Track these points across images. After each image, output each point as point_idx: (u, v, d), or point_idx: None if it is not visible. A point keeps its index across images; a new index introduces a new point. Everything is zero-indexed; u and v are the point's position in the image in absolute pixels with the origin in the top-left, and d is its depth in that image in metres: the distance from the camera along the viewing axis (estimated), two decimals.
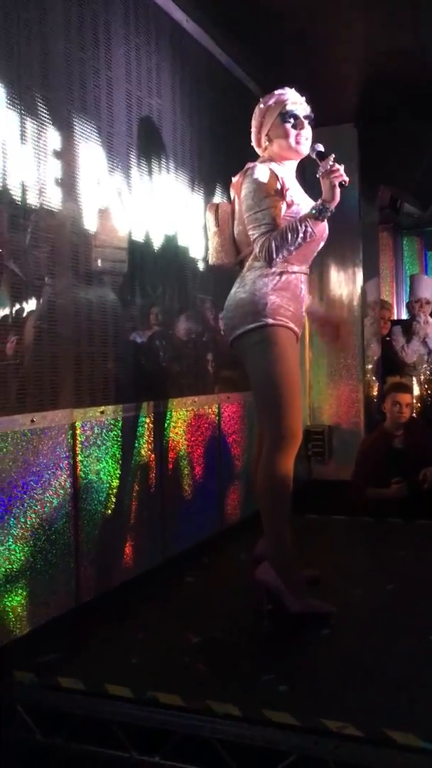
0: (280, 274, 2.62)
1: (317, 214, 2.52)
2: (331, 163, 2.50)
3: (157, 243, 3.27)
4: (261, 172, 2.60)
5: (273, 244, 2.51)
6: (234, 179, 2.76)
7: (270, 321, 2.59)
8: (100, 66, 2.87)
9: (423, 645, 2.34)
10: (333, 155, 2.53)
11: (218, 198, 3.80)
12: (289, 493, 2.65)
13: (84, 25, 2.77)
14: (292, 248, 2.54)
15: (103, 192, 2.89)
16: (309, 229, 2.52)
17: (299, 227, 2.51)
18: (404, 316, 7.61)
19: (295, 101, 2.68)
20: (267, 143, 2.73)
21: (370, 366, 5.28)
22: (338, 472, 4.96)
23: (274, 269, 2.60)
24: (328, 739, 1.85)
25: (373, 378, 5.33)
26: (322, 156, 2.56)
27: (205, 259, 3.57)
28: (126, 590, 2.87)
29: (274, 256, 2.53)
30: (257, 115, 2.75)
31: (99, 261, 2.87)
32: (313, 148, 2.62)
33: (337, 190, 2.51)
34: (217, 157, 3.84)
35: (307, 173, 2.81)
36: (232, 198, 2.81)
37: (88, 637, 2.49)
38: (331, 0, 3.54)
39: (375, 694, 2.03)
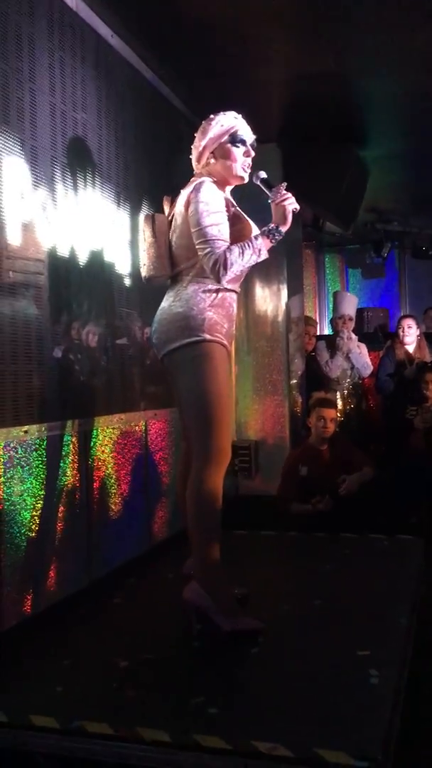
0: (217, 291, 2.62)
1: (271, 236, 2.56)
2: (283, 191, 2.58)
3: (82, 257, 3.22)
4: (211, 187, 2.60)
5: (229, 260, 2.51)
6: (183, 192, 2.69)
7: (207, 337, 2.58)
8: (23, 78, 2.81)
9: (351, 660, 2.35)
10: (284, 183, 2.62)
11: (147, 212, 3.78)
12: (218, 511, 2.62)
13: (7, 37, 2.71)
14: (246, 265, 2.56)
15: (27, 206, 2.83)
16: (263, 249, 2.56)
17: (255, 245, 2.54)
18: (327, 331, 7.77)
19: (245, 128, 2.71)
20: (211, 161, 2.71)
21: (294, 381, 5.34)
22: (265, 487, 4.99)
23: (211, 286, 2.60)
24: (259, 762, 1.83)
25: (298, 393, 5.39)
26: (267, 183, 2.63)
27: (133, 274, 3.54)
28: (52, 615, 2.79)
29: (228, 271, 2.52)
30: (205, 131, 2.70)
31: (21, 276, 2.80)
32: (256, 175, 2.67)
33: (290, 216, 2.57)
34: (144, 172, 3.82)
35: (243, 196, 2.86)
36: (168, 211, 2.78)
37: (11, 666, 2.39)
38: (256, 22, 3.60)
39: (305, 713, 2.02)
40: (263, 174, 2.65)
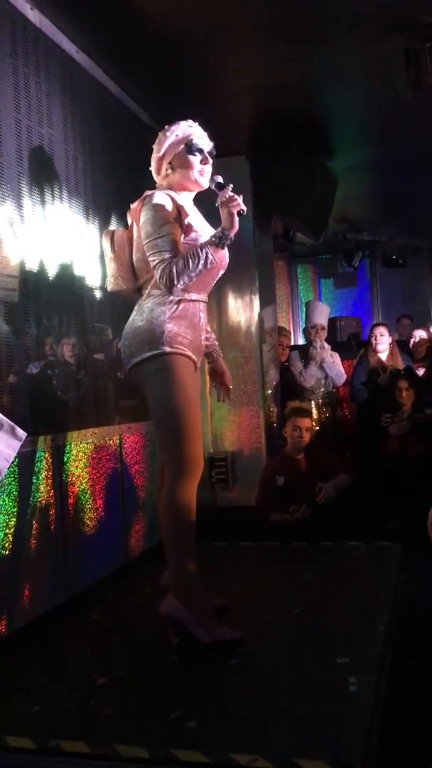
0: (178, 302, 2.61)
1: (217, 241, 2.54)
2: (229, 193, 2.56)
3: (51, 272, 3.20)
4: (160, 199, 2.60)
5: (174, 270, 2.50)
6: (132, 206, 2.72)
7: (167, 349, 2.57)
8: None
9: (330, 668, 2.34)
10: (231, 185, 2.59)
11: (114, 226, 3.77)
12: (192, 523, 2.61)
13: None
14: (193, 275, 2.53)
15: None
16: (210, 256, 2.53)
17: (200, 254, 2.51)
18: (301, 341, 7.80)
19: (201, 135, 2.72)
20: (169, 171, 2.71)
21: (269, 392, 5.35)
22: (242, 498, 4.97)
23: (171, 297, 2.59)
24: None
25: (273, 403, 5.40)
26: (220, 186, 2.60)
27: (103, 287, 3.53)
28: (28, 633, 2.74)
29: (176, 282, 2.51)
30: (161, 142, 2.71)
31: None
32: (212, 179, 2.66)
33: (236, 219, 2.54)
34: (112, 186, 3.82)
35: (205, 202, 2.85)
36: (129, 224, 2.78)
37: None
38: (220, 35, 3.62)
39: (285, 723, 2.00)
40: (219, 178, 2.64)
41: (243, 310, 5.25)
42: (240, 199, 2.55)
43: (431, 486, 4.29)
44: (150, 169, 2.78)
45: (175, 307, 2.60)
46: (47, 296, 3.16)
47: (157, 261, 2.54)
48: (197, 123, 2.75)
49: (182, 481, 2.57)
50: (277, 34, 3.65)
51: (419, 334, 6.73)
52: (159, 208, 2.57)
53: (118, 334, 3.17)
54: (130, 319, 2.69)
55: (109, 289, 2.82)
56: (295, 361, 5.75)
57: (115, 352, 3.73)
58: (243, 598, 3.06)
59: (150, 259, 2.57)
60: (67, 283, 3.35)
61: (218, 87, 4.21)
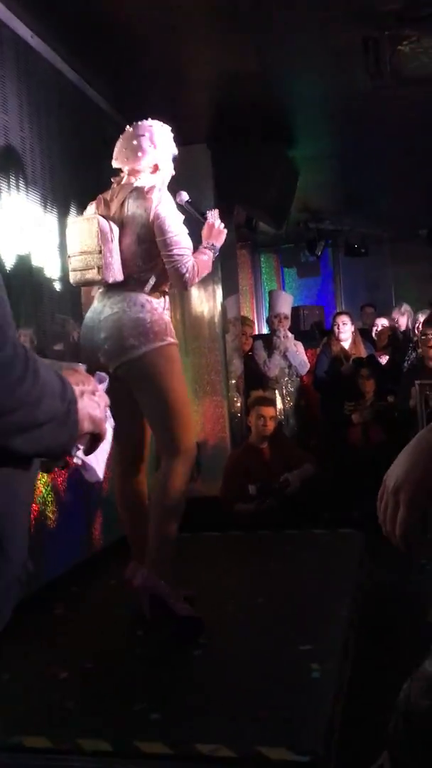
0: (164, 294, 2.75)
1: (214, 252, 2.83)
2: (218, 222, 2.86)
3: (9, 263, 3.15)
4: (170, 198, 2.72)
5: (196, 269, 2.68)
6: (133, 197, 2.70)
7: (170, 339, 2.69)
8: None
9: (293, 656, 2.35)
10: (216, 210, 2.92)
11: (73, 215, 3.72)
12: (183, 506, 2.74)
13: None
14: (203, 275, 2.76)
15: None
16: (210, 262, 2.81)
17: (210, 258, 2.79)
18: (265, 331, 7.81)
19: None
20: (160, 171, 2.79)
21: (233, 381, 5.35)
22: (207, 489, 4.96)
23: (163, 290, 2.74)
24: (202, 765, 1.81)
25: (237, 393, 5.40)
26: (192, 205, 2.87)
27: (63, 278, 3.49)
28: None
29: (196, 279, 2.70)
30: (154, 137, 2.76)
31: None
32: (180, 197, 2.83)
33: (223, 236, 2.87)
34: (70, 174, 3.76)
35: None
36: (103, 212, 2.74)
37: None
38: (180, 22, 3.58)
39: (248, 712, 2.01)
40: (185, 195, 2.86)
41: (206, 300, 5.22)
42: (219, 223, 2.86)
43: None
44: (118, 159, 2.82)
45: (164, 299, 2.75)
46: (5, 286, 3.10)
47: (181, 255, 2.65)
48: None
49: (182, 465, 2.69)
50: (235, 21, 3.63)
51: (381, 323, 6.79)
52: (174, 208, 2.70)
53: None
54: (118, 311, 2.65)
55: (110, 281, 2.66)
56: (259, 350, 5.77)
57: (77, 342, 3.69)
58: (208, 588, 3.07)
59: (175, 252, 2.64)
60: (25, 273, 3.29)
61: (178, 74, 4.18)
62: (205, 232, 2.87)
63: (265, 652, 2.42)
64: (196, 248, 2.76)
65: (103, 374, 1.12)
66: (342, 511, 4.62)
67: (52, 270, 3.53)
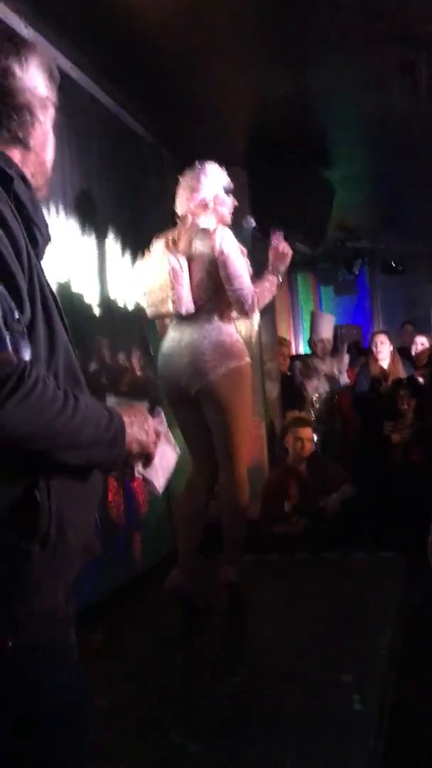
0: (232, 320, 3.03)
1: (279, 279, 3.08)
2: (283, 243, 3.07)
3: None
4: (231, 235, 2.97)
5: (257, 299, 2.94)
6: (201, 236, 2.97)
7: (247, 359, 3.03)
8: None
9: (334, 686, 2.31)
10: (281, 232, 3.11)
11: (112, 238, 3.76)
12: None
13: None
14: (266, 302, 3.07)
15: None
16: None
17: (274, 286, 3.07)
18: (302, 350, 7.79)
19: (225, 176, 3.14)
20: (218, 209, 3.07)
21: (271, 402, 5.32)
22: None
23: (232, 317, 3.01)
24: None
25: (275, 414, 5.38)
26: (266, 233, 3.19)
27: (103, 303, 3.54)
28: None
29: (257, 308, 2.99)
30: (206, 181, 3.05)
31: None
32: (247, 222, 3.28)
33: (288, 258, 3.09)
34: (107, 199, 3.79)
35: None
36: (166, 248, 2.99)
37: None
38: (215, 47, 3.60)
39: (289, 742, 1.98)
40: (252, 222, 3.30)
41: (243, 322, 5.20)
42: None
43: None
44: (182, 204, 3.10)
45: (233, 325, 3.03)
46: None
47: (245, 289, 2.91)
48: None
49: (242, 472, 3.03)
50: (273, 44, 3.65)
51: (421, 341, 6.65)
52: (237, 245, 2.96)
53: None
54: (198, 337, 2.96)
55: (183, 312, 2.96)
56: (297, 371, 5.73)
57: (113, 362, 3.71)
58: (245, 614, 3.04)
59: (237, 287, 2.91)
60: (65, 300, 3.33)
61: (215, 97, 4.19)
62: (271, 255, 3.08)
63: (306, 682, 2.38)
64: (259, 273, 3.04)
65: (160, 408, 1.37)
66: (382, 532, 4.55)
67: (92, 295, 3.57)
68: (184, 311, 2.96)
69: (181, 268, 2.96)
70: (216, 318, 2.98)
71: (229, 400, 2.96)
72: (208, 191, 3.05)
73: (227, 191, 3.10)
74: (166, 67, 3.76)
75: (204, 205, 3.06)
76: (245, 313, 2.96)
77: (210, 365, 2.92)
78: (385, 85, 3.98)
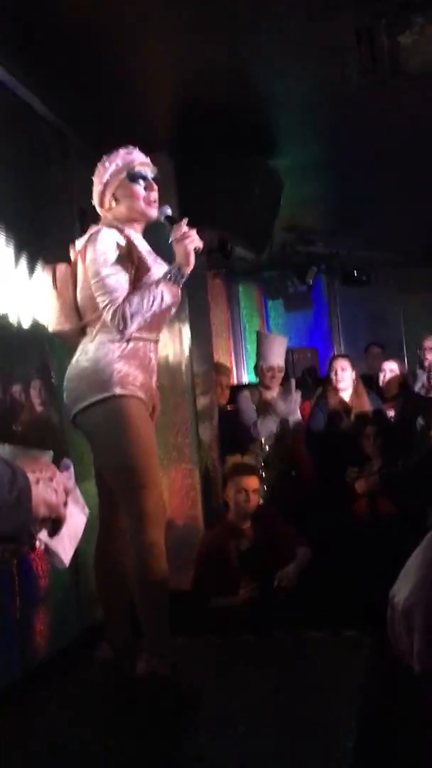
0: (128, 341, 2.95)
1: (173, 279, 2.93)
2: (184, 228, 2.96)
3: None
4: (107, 235, 2.98)
5: (128, 312, 2.86)
6: (78, 242, 3.10)
7: (117, 391, 2.90)
8: None
9: None
10: (185, 219, 3.01)
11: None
12: (166, 569, 3.01)
13: None
14: (148, 315, 2.90)
15: None
16: (165, 295, 2.91)
17: (155, 293, 2.90)
18: (246, 379, 7.80)
19: (143, 162, 3.11)
20: (113, 203, 3.10)
21: (205, 444, 5.30)
22: (176, 581, 4.88)
23: (119, 335, 2.93)
24: None
25: (211, 459, 5.36)
26: (171, 220, 3.03)
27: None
28: None
29: (129, 323, 2.87)
30: (101, 173, 3.09)
31: None
32: (161, 211, 3.06)
33: (192, 256, 2.95)
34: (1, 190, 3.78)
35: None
36: (73, 260, 3.11)
37: None
38: (134, 8, 3.63)
39: None
40: (168, 210, 3.05)
41: (169, 343, 5.19)
42: (194, 234, 2.95)
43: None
44: (93, 201, 3.17)
45: (125, 345, 2.95)
46: None
47: (107, 302, 2.89)
48: (129, 145, 3.12)
49: (148, 530, 2.92)
50: (202, 8, 3.70)
51: (389, 367, 6.67)
52: (106, 245, 2.94)
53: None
54: (74, 360, 3.04)
55: (51, 329, 3.17)
56: (245, 405, 5.66)
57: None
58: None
59: (99, 299, 2.92)
60: None
61: (134, 73, 4.22)
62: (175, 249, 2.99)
63: None
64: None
65: (68, 461, 1.36)
66: (346, 604, 4.57)
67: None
68: (51, 329, 3.17)
69: (54, 277, 3.10)
70: (95, 336, 3.01)
71: (102, 441, 3.00)
72: (102, 185, 3.11)
73: (138, 178, 3.07)
74: (71, 31, 3.77)
75: (101, 201, 3.15)
76: (116, 328, 2.91)
77: (73, 395, 3.00)
78: (340, 57, 4.08)
